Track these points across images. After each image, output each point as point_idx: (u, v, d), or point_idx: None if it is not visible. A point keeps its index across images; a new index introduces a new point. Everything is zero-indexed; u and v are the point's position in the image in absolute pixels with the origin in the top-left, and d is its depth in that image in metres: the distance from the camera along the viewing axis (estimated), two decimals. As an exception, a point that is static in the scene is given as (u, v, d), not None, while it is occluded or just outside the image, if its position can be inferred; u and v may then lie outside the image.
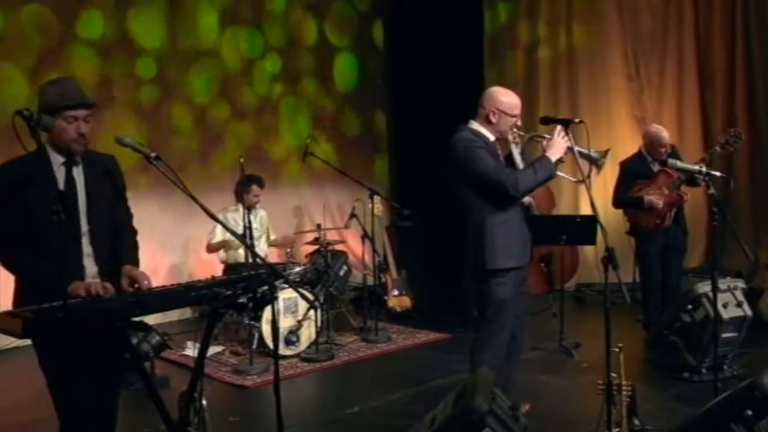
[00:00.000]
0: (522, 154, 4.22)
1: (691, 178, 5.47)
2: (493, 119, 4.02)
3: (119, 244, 3.12)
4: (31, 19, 6.79)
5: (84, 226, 3.00)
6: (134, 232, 3.26)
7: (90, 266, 3.00)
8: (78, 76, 6.41)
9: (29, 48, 6.78)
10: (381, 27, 9.58)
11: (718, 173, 4.42)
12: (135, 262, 3.09)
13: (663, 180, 5.78)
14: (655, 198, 5.75)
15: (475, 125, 4.08)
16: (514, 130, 4.09)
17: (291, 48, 8.70)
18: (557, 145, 3.95)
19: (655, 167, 5.87)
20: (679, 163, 4.70)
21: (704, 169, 4.37)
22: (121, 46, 7.36)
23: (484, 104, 4.07)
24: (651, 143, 5.87)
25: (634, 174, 5.94)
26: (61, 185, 2.92)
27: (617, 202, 6.07)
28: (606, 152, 4.04)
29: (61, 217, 2.54)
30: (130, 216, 3.29)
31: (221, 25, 8.10)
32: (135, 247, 3.21)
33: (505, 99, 4.04)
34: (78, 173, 3.02)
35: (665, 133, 5.83)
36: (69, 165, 2.99)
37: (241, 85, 8.29)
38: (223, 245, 6.61)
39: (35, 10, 6.81)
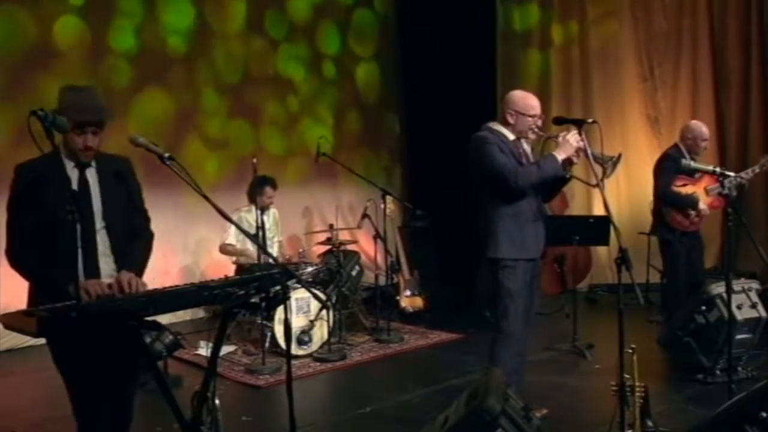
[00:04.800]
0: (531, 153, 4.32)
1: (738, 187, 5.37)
2: (511, 120, 4.18)
3: (128, 250, 3.08)
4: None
5: (99, 224, 3.01)
6: (151, 236, 3.24)
7: (105, 266, 3.01)
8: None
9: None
10: (396, 29, 9.59)
11: (732, 174, 4.38)
12: (134, 269, 3.01)
13: (708, 181, 5.68)
14: (707, 207, 5.67)
15: (495, 125, 4.24)
16: (535, 129, 4.19)
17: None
18: (565, 145, 4.03)
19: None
20: (693, 164, 4.67)
21: (718, 169, 4.33)
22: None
23: (503, 106, 4.26)
24: (694, 138, 5.75)
25: (677, 167, 5.58)
26: (74, 186, 2.93)
27: (665, 197, 5.76)
28: (618, 157, 4.02)
29: (75, 217, 2.55)
30: (147, 219, 3.26)
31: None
32: (141, 250, 3.15)
33: (521, 100, 4.18)
34: (91, 174, 3.04)
35: (706, 128, 5.81)
36: (81, 167, 3.00)
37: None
38: (243, 253, 6.47)
39: None
